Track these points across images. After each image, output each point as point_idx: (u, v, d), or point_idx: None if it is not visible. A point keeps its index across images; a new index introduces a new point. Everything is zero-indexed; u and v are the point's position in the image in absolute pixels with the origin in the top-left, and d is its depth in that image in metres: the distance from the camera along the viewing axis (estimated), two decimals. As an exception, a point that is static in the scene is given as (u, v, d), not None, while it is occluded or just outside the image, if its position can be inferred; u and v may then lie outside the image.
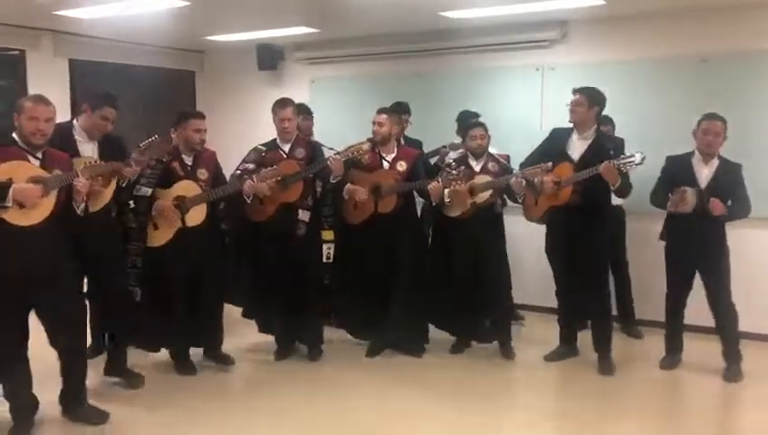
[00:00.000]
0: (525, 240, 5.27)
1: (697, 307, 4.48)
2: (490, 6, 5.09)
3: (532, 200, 4.53)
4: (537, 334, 5.16)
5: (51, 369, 3.68)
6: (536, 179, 4.37)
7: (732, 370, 4.36)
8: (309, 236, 4.60)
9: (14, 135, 3.42)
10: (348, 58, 6.60)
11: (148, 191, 4.15)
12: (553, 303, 4.82)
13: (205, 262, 4.33)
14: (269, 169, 4.34)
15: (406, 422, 3.80)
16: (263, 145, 4.65)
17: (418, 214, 5.00)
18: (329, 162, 4.48)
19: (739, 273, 4.37)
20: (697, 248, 4.27)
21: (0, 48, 6.05)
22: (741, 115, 4.37)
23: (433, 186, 4.43)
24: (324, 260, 4.70)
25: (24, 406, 3.58)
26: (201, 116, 4.39)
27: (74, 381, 3.71)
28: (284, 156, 4.57)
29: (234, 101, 7.38)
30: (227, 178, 4.51)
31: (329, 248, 4.70)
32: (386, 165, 4.68)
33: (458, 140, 5.23)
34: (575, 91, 4.38)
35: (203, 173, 4.33)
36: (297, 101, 4.86)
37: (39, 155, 3.44)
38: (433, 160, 5.25)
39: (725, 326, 4.38)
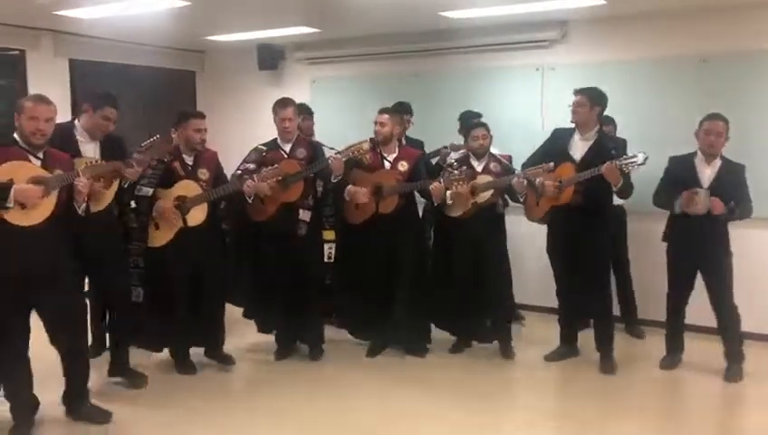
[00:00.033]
0: (526, 240, 5.27)
1: (699, 307, 4.48)
2: (490, 6, 5.09)
3: (534, 200, 4.53)
4: (537, 334, 5.17)
5: (51, 369, 3.68)
6: (537, 181, 4.37)
7: (732, 370, 4.36)
8: (310, 236, 4.60)
9: (15, 135, 3.42)
10: (348, 58, 6.60)
11: (150, 191, 4.16)
12: (554, 302, 4.82)
13: (206, 262, 4.33)
14: (270, 168, 4.34)
15: (406, 422, 3.81)
16: (263, 145, 4.65)
17: (420, 214, 4.99)
18: (330, 162, 4.48)
19: (741, 273, 4.37)
20: (699, 248, 4.26)
21: (0, 48, 6.05)
22: (741, 115, 4.37)
23: (435, 186, 4.43)
24: (325, 260, 4.70)
25: (25, 406, 3.58)
26: (201, 116, 4.39)
27: (76, 382, 3.71)
28: (285, 156, 4.57)
29: (234, 101, 7.38)
30: (229, 178, 4.51)
31: (330, 248, 4.70)
32: (387, 165, 4.68)
33: (459, 140, 5.23)
34: (576, 92, 4.38)
35: (204, 173, 4.33)
36: (298, 101, 4.86)
37: (40, 155, 3.44)
38: (434, 161, 5.25)
39: (728, 327, 4.37)
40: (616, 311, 4.77)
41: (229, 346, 4.69)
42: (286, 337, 4.80)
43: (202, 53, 7.55)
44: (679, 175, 4.31)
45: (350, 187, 4.61)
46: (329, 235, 4.71)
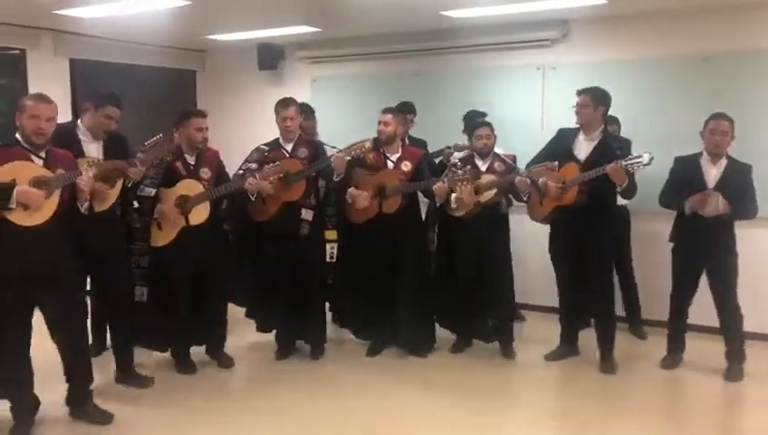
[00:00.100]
0: (528, 240, 5.27)
1: (700, 307, 4.49)
2: (491, 6, 5.08)
3: (537, 200, 4.52)
4: (538, 334, 5.16)
5: (52, 368, 3.68)
6: (540, 181, 4.36)
7: (733, 370, 4.36)
8: (312, 236, 4.59)
9: (17, 135, 3.42)
10: (349, 57, 6.60)
11: (152, 192, 4.16)
12: (554, 302, 4.82)
13: (208, 261, 4.34)
14: (271, 165, 4.32)
15: (407, 422, 3.80)
16: (265, 145, 4.64)
17: (423, 214, 4.98)
18: (331, 160, 4.47)
19: (746, 273, 4.37)
20: (706, 249, 4.25)
21: (0, 47, 6.04)
22: (742, 114, 4.36)
23: (438, 186, 4.42)
24: (327, 260, 4.70)
25: (26, 406, 3.58)
26: (202, 115, 4.39)
27: (79, 382, 3.72)
28: (287, 155, 4.56)
29: (235, 100, 7.38)
30: (230, 177, 4.50)
31: (332, 248, 4.70)
32: (390, 165, 4.67)
33: (462, 140, 5.22)
34: (580, 93, 4.36)
35: (206, 172, 4.33)
36: (298, 100, 4.85)
37: (42, 154, 3.44)
38: (437, 160, 5.25)
39: (730, 327, 4.37)
40: (619, 311, 4.75)
41: (229, 345, 4.69)
42: (287, 337, 4.80)
43: (202, 52, 7.55)
44: (685, 175, 4.30)
45: (351, 190, 4.60)
46: (331, 234, 4.71)
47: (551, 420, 3.89)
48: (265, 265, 4.65)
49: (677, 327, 4.55)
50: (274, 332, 4.84)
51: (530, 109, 5.79)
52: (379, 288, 4.66)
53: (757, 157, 4.52)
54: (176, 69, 7.42)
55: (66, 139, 3.75)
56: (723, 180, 4.21)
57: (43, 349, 3.63)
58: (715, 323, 4.46)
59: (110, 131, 3.99)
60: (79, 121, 4.00)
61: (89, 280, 4.15)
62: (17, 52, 6.10)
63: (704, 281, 4.40)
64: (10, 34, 5.92)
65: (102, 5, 5.14)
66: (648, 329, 5.21)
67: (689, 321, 4.56)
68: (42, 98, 3.43)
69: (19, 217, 3.29)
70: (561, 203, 4.36)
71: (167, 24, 5.78)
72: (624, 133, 4.99)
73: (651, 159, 4.03)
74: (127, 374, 4.22)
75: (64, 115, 4.28)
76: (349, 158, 4.52)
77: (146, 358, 4.51)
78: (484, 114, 5.14)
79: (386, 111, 4.70)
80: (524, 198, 4.58)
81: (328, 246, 4.69)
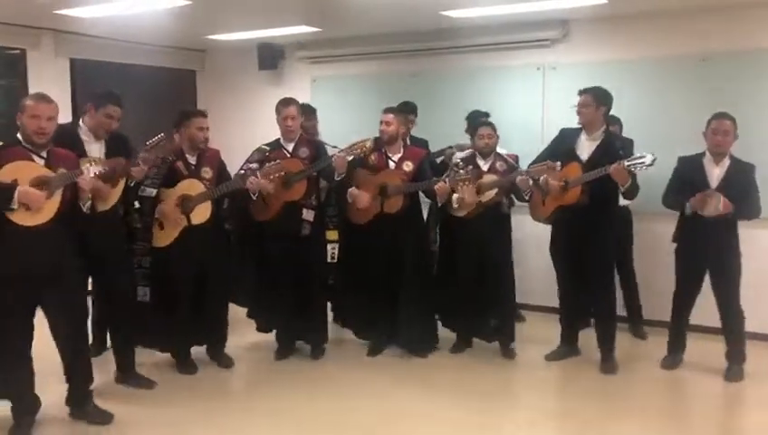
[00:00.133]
0: (530, 240, 5.27)
1: (700, 307, 4.48)
2: (491, 5, 5.08)
3: (540, 200, 4.52)
4: (538, 334, 5.15)
5: (52, 368, 3.68)
6: (541, 180, 4.36)
7: (733, 370, 4.35)
8: (313, 236, 4.59)
9: (18, 135, 3.42)
10: (349, 57, 6.60)
11: (153, 192, 4.16)
12: (555, 302, 4.81)
13: (210, 261, 4.34)
14: (272, 163, 4.32)
15: (407, 422, 3.80)
16: (266, 145, 4.64)
17: (425, 214, 4.98)
18: (333, 159, 4.47)
19: (748, 273, 4.36)
20: (709, 249, 4.24)
21: (1, 47, 6.05)
22: (741, 114, 4.35)
23: (439, 186, 4.42)
24: (329, 260, 4.69)
25: (26, 406, 3.58)
26: (203, 114, 4.39)
27: (78, 382, 3.71)
28: (288, 155, 4.55)
29: (235, 100, 7.38)
30: (231, 178, 4.50)
31: (333, 248, 4.70)
32: (392, 165, 4.66)
33: (463, 139, 5.22)
34: (581, 92, 4.35)
35: (207, 172, 4.33)
36: (299, 100, 4.85)
37: (44, 154, 3.43)
38: (438, 160, 5.26)
39: (732, 328, 4.36)
40: (620, 311, 4.75)
41: (230, 345, 4.69)
42: (287, 337, 4.80)
43: (203, 52, 7.55)
44: (688, 175, 4.29)
45: (351, 190, 4.60)
46: (332, 235, 4.71)
47: (551, 421, 3.89)
48: (267, 265, 4.65)
49: (679, 327, 4.54)
50: (274, 332, 4.84)
51: (530, 109, 5.79)
52: (381, 288, 4.66)
53: (757, 156, 4.51)
54: (176, 69, 7.42)
55: (68, 139, 3.75)
56: (725, 180, 4.20)
57: (43, 349, 3.63)
58: (716, 323, 4.46)
59: (111, 131, 3.99)
60: (80, 122, 4.01)
61: (90, 280, 4.14)
62: (17, 52, 6.10)
63: (705, 281, 4.39)
64: (10, 34, 5.92)
65: (103, 5, 5.14)
66: (649, 329, 5.21)
67: (690, 321, 4.55)
68: (42, 97, 3.43)
69: (21, 218, 3.29)
70: (564, 203, 4.35)
71: (167, 23, 5.78)
72: (624, 133, 4.97)
73: (654, 159, 4.01)
74: (127, 375, 4.22)
75: (65, 115, 4.27)
76: (350, 158, 4.52)
77: (146, 358, 4.51)
78: (486, 114, 5.14)
79: (387, 110, 4.69)
80: (526, 198, 4.58)
81: (329, 246, 4.69)
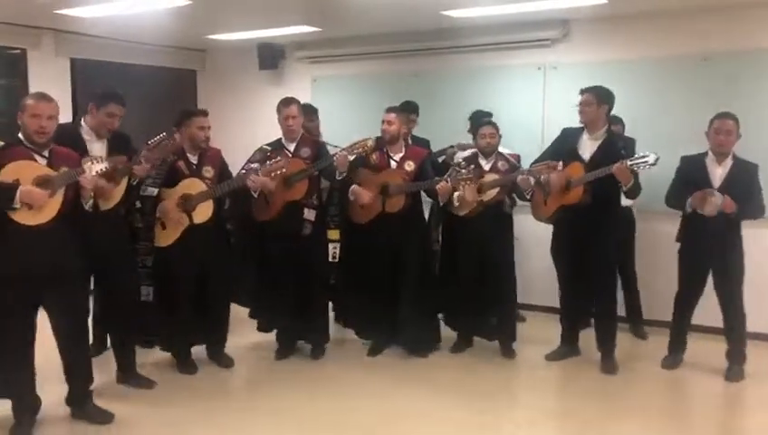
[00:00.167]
0: (531, 240, 5.27)
1: (701, 307, 4.47)
2: (491, 5, 5.08)
3: (542, 199, 4.51)
4: (538, 334, 5.15)
5: (52, 368, 3.68)
6: (543, 177, 4.35)
7: (734, 370, 4.35)
8: (315, 236, 4.59)
9: (19, 135, 3.42)
10: (349, 57, 6.60)
11: (155, 191, 4.16)
12: (555, 302, 4.81)
13: (212, 260, 4.34)
14: (273, 160, 4.31)
15: (407, 422, 3.80)
16: (268, 145, 4.64)
17: (426, 213, 4.98)
18: (334, 158, 4.47)
19: (751, 273, 4.35)
20: (713, 249, 4.23)
21: (1, 47, 6.05)
22: (742, 114, 4.35)
23: (441, 186, 4.41)
24: (330, 260, 4.69)
25: (27, 405, 3.58)
26: (204, 113, 4.39)
27: (79, 382, 3.71)
28: (290, 155, 4.55)
29: (235, 100, 7.39)
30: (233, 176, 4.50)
31: (335, 248, 4.70)
32: (394, 164, 4.66)
33: (465, 139, 5.23)
34: (583, 91, 4.34)
35: (208, 171, 4.33)
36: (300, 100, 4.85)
37: (45, 153, 3.43)
38: (440, 160, 5.26)
39: (734, 328, 4.35)
40: (620, 311, 4.74)
41: (230, 345, 4.69)
42: (287, 336, 4.80)
43: (203, 52, 7.55)
44: (690, 175, 4.28)
45: (354, 186, 4.60)
46: (333, 234, 4.71)
47: (551, 420, 3.89)
48: (268, 265, 4.65)
49: (680, 327, 4.53)
50: (275, 331, 4.84)
51: (530, 108, 5.79)
52: (383, 288, 4.66)
53: (758, 156, 4.51)
54: (176, 68, 7.43)
55: (70, 138, 3.74)
56: (728, 180, 4.20)
57: (44, 349, 3.63)
58: (716, 323, 4.46)
59: (113, 130, 3.99)
60: (82, 121, 4.01)
61: (92, 279, 4.14)
62: (18, 51, 6.11)
63: (707, 281, 4.38)
64: (11, 34, 5.93)
65: (103, 5, 5.14)
66: (649, 329, 5.21)
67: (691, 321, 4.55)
68: (43, 97, 3.44)
69: (23, 217, 3.29)
70: (566, 203, 4.34)
71: (167, 23, 5.78)
72: (625, 133, 4.98)
73: (657, 159, 4.01)
74: (128, 375, 4.22)
75: (65, 115, 4.27)
76: (351, 157, 4.51)
77: (147, 358, 4.51)
78: (489, 114, 5.14)
79: (389, 110, 4.69)
80: (527, 197, 4.57)
81: (330, 245, 4.70)
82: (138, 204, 4.18)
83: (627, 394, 4.19)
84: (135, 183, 4.00)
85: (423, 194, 4.71)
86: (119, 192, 3.90)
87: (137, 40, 6.66)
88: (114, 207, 3.92)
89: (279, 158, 4.34)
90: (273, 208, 4.51)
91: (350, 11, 5.30)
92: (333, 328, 5.09)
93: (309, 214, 4.55)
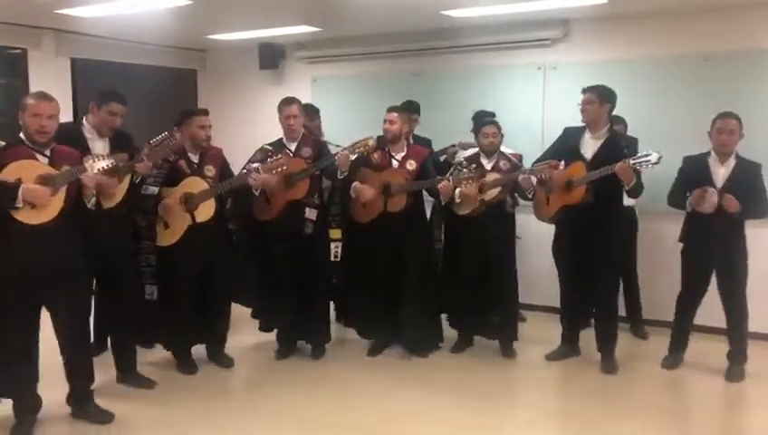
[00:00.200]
0: (533, 240, 5.27)
1: (701, 307, 4.46)
2: (492, 5, 5.08)
3: (544, 199, 4.50)
4: (539, 334, 5.15)
5: (54, 367, 3.68)
6: (542, 175, 4.34)
7: (734, 370, 4.35)
8: (316, 235, 4.59)
9: (21, 135, 3.42)
10: (349, 57, 6.60)
11: (155, 190, 4.16)
12: (555, 302, 4.81)
13: (214, 259, 4.35)
14: (274, 158, 4.31)
15: (407, 422, 3.80)
16: (269, 145, 4.63)
17: (428, 213, 4.98)
18: (336, 158, 4.47)
19: (754, 273, 4.35)
20: (716, 249, 4.22)
21: (2, 47, 6.05)
22: (742, 114, 4.35)
23: (443, 184, 4.41)
24: (332, 259, 4.69)
25: (28, 405, 3.58)
26: (205, 112, 4.40)
27: (79, 381, 3.72)
28: (291, 155, 4.55)
29: (235, 99, 7.39)
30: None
31: (336, 247, 4.70)
32: (395, 164, 4.66)
33: (466, 138, 5.22)
34: (585, 90, 4.34)
35: (210, 170, 4.33)
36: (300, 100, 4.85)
37: (47, 153, 3.44)
38: (441, 159, 5.26)
39: (736, 328, 4.35)
40: (621, 311, 4.74)
41: (230, 345, 4.70)
42: (288, 336, 4.80)
43: (203, 51, 7.56)
44: (693, 175, 4.27)
45: (355, 183, 4.59)
46: (335, 233, 4.71)
47: (551, 420, 3.89)
48: (269, 264, 4.65)
49: (683, 327, 4.51)
50: (275, 331, 4.84)
51: (531, 108, 5.79)
52: (385, 287, 4.66)
53: (759, 156, 4.51)
54: (177, 68, 7.43)
55: (71, 137, 3.74)
56: (731, 180, 4.18)
57: (44, 348, 3.63)
58: (716, 322, 4.46)
59: (115, 129, 3.99)
60: (84, 120, 4.01)
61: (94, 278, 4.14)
62: (18, 51, 6.11)
63: (710, 281, 4.38)
64: (11, 34, 5.93)
65: (104, 5, 5.14)
66: (650, 329, 5.21)
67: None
68: (43, 96, 3.44)
69: (26, 216, 3.29)
70: (568, 202, 4.33)
71: (168, 23, 5.78)
72: (626, 133, 4.98)
73: (660, 157, 4.00)
74: (128, 374, 4.22)
75: (66, 115, 4.27)
76: (353, 156, 4.51)
77: (147, 358, 4.51)
78: (492, 114, 5.13)
79: (391, 109, 4.69)
80: (529, 196, 4.57)
81: (332, 245, 4.70)
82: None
83: (627, 394, 4.19)
84: (138, 181, 4.00)
85: (425, 193, 4.71)
86: (121, 190, 3.90)
87: (137, 40, 6.66)
88: (117, 206, 3.92)
89: (280, 155, 4.34)
90: (274, 208, 4.51)
91: (350, 11, 5.30)
92: (335, 328, 5.08)
93: (310, 213, 4.55)
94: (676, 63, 5.28)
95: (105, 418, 3.71)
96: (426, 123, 5.63)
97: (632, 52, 5.43)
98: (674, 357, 4.55)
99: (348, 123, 6.09)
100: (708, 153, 4.30)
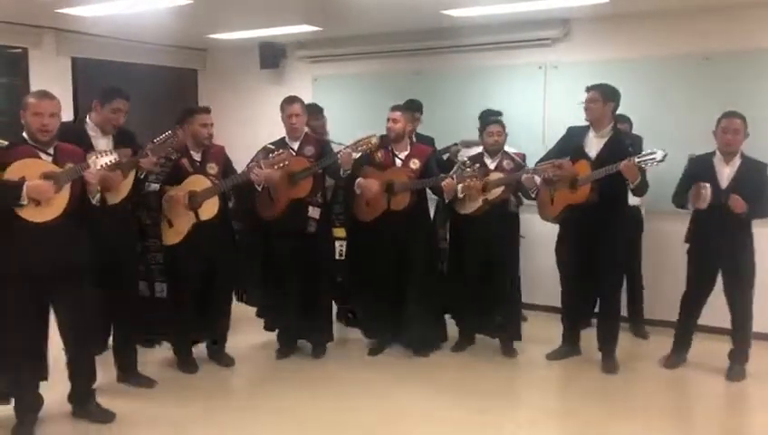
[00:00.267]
0: (535, 239, 5.26)
1: (705, 307, 4.45)
2: (492, 4, 5.08)
3: (549, 198, 4.49)
4: (540, 333, 5.14)
5: (54, 366, 3.68)
6: (546, 175, 4.34)
7: (735, 370, 4.35)
8: (320, 234, 4.60)
9: (23, 134, 3.42)
10: (350, 56, 6.60)
11: (157, 187, 4.16)
12: (556, 301, 4.81)
13: (218, 257, 4.35)
14: (276, 153, 4.31)
15: (408, 421, 3.81)
16: (272, 144, 4.62)
17: (432, 211, 4.97)
18: (338, 156, 4.47)
19: (759, 273, 4.32)
20: (722, 248, 4.21)
21: (2, 46, 6.05)
22: (743, 113, 4.35)
23: (447, 182, 4.41)
24: (337, 257, 4.69)
25: (29, 404, 3.58)
26: (207, 110, 4.40)
27: (81, 380, 3.71)
28: (294, 154, 4.54)
29: (236, 99, 7.39)
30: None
31: (341, 246, 4.70)
32: (399, 162, 4.66)
33: (469, 137, 5.22)
34: (589, 89, 4.33)
35: (212, 168, 4.34)
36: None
37: (50, 151, 3.44)
38: (444, 157, 5.27)
39: (740, 327, 4.33)
40: (623, 310, 4.73)
41: (231, 344, 4.70)
42: (288, 335, 4.80)
43: (204, 51, 7.56)
44: (698, 175, 4.25)
45: (359, 179, 4.59)
46: (339, 232, 4.72)
47: (552, 420, 3.89)
48: (273, 263, 4.65)
49: (687, 327, 4.50)
50: (276, 330, 4.84)
51: (532, 108, 5.79)
52: (388, 286, 4.66)
53: (758, 156, 4.51)
54: (177, 68, 7.43)
55: (75, 136, 3.75)
56: (737, 179, 4.17)
57: (47, 347, 3.63)
58: (717, 322, 4.46)
59: (119, 126, 3.99)
60: (87, 119, 4.01)
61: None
62: (19, 50, 6.11)
63: (716, 281, 4.37)
64: (12, 33, 5.93)
65: (104, 4, 5.14)
66: (650, 329, 5.21)
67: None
68: (44, 95, 3.44)
69: (30, 214, 3.29)
70: (573, 202, 4.32)
71: (168, 22, 5.78)
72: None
73: (665, 155, 3.99)
74: (129, 374, 4.22)
75: (67, 114, 4.26)
76: (356, 155, 4.51)
77: (148, 357, 4.51)
78: (499, 113, 5.14)
79: (394, 108, 4.69)
80: (533, 196, 4.57)
81: (337, 243, 4.71)
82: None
83: (628, 394, 4.19)
84: (143, 176, 4.00)
85: (428, 192, 4.71)
86: (126, 186, 3.90)
87: (138, 39, 6.66)
88: (122, 202, 3.92)
89: (282, 150, 4.34)
90: (277, 206, 4.51)
91: (350, 10, 5.31)
92: (335, 327, 5.07)
93: (313, 212, 4.55)
94: (677, 63, 5.28)
95: (106, 417, 3.71)
96: (427, 123, 5.63)
97: (633, 51, 5.43)
98: (677, 356, 4.54)
99: (348, 123, 6.07)
100: (713, 153, 4.29)
